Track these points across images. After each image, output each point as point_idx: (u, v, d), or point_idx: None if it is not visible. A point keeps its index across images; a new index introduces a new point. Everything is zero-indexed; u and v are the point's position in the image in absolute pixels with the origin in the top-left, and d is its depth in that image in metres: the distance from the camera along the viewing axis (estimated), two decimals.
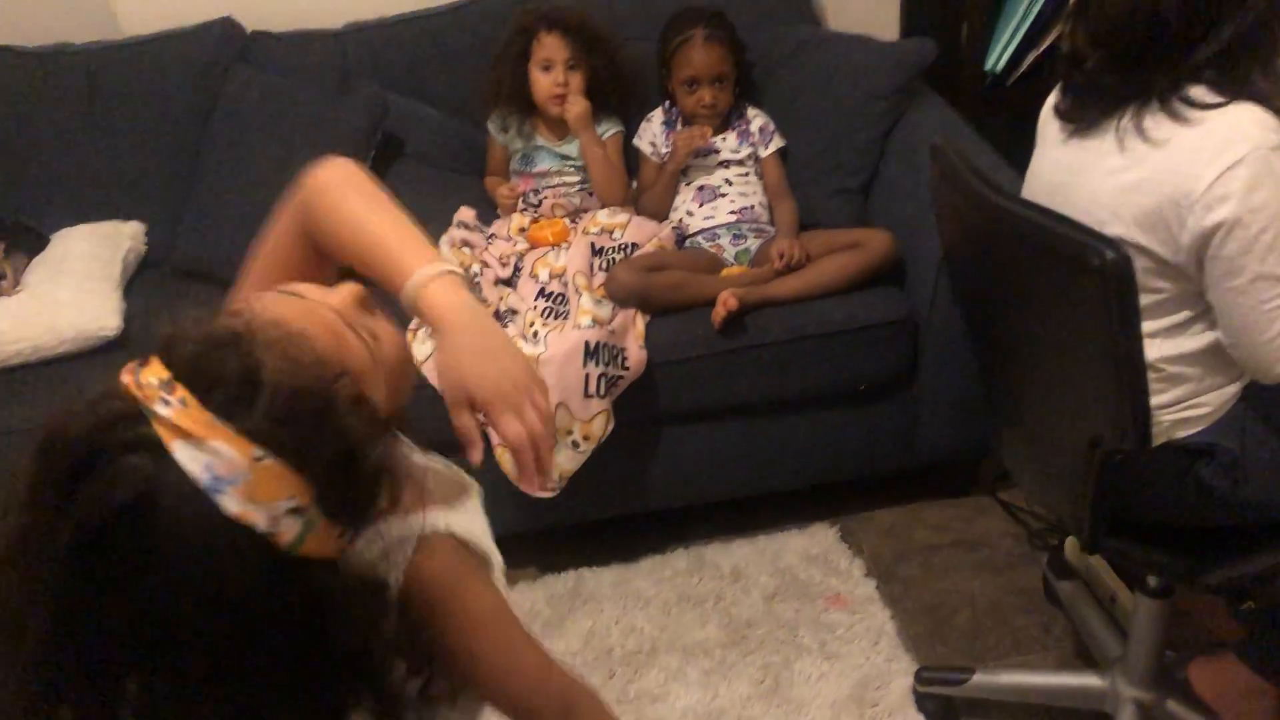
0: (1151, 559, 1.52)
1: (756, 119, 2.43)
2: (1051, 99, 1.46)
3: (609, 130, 2.44)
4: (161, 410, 0.71)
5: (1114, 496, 1.45)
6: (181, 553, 0.70)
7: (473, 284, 2.19)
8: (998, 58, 2.54)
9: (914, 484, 2.35)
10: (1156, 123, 1.30)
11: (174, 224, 2.38)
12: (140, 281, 2.36)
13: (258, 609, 0.72)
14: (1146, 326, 1.32)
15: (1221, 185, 1.25)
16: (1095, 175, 1.37)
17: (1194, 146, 1.27)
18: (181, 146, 2.42)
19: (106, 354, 2.13)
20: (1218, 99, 1.28)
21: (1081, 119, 1.39)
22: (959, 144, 1.52)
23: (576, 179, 2.43)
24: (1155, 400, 1.37)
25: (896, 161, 2.31)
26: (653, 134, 2.46)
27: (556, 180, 2.42)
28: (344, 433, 0.75)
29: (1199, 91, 1.28)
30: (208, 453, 0.70)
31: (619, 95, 2.43)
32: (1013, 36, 2.52)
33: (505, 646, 0.99)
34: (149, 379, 0.72)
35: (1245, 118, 1.26)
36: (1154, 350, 1.36)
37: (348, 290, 0.92)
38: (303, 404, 0.73)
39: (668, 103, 2.45)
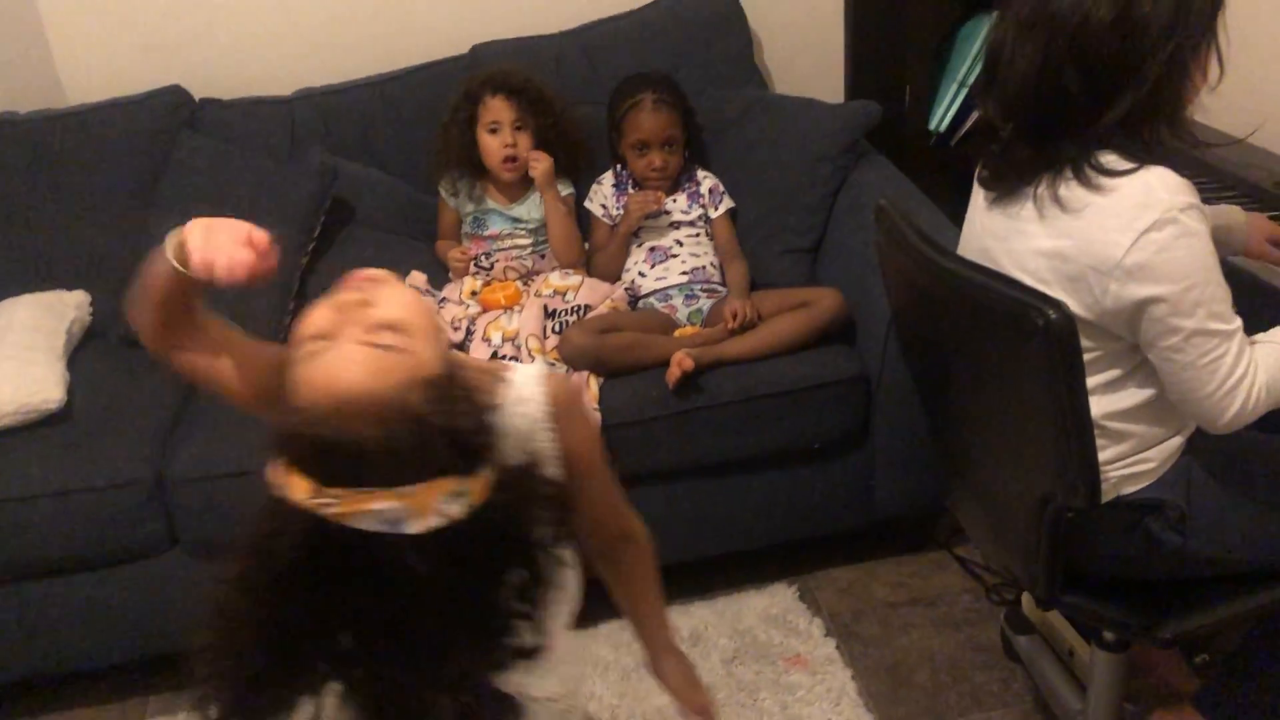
0: (1105, 614, 1.53)
1: (706, 180, 2.46)
2: (978, 170, 1.49)
3: (561, 191, 2.45)
4: (329, 510, 0.91)
5: (1066, 553, 1.45)
6: (408, 573, 0.92)
7: None
8: (941, 118, 2.59)
9: (871, 541, 2.35)
10: (1071, 191, 1.33)
11: (120, 294, 2.35)
12: (84, 352, 2.32)
13: (472, 562, 0.95)
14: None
15: (1139, 250, 1.28)
16: (1018, 241, 1.39)
17: (1109, 213, 1.30)
18: (128, 215, 2.39)
19: (49, 427, 2.09)
20: (1128, 165, 1.30)
21: (1000, 188, 1.42)
22: (903, 205, 1.55)
23: (528, 241, 2.43)
24: (1101, 456, 1.38)
25: (845, 221, 2.34)
26: (604, 196, 2.48)
27: (508, 243, 2.43)
28: (444, 429, 0.94)
29: (1110, 158, 1.31)
30: (374, 514, 0.91)
31: (567, 155, 2.45)
32: (954, 97, 2.58)
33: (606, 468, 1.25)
34: (302, 496, 0.92)
35: (1155, 182, 1.29)
36: (1094, 407, 1.38)
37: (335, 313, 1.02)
38: (403, 440, 0.92)
39: (618, 165, 2.47)
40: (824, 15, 2.80)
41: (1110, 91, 1.29)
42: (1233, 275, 1.63)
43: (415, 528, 0.92)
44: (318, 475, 0.92)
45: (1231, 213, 1.63)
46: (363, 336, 0.98)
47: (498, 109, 2.36)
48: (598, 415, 2.04)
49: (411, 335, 0.99)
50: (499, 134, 2.37)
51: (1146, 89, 1.28)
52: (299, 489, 0.92)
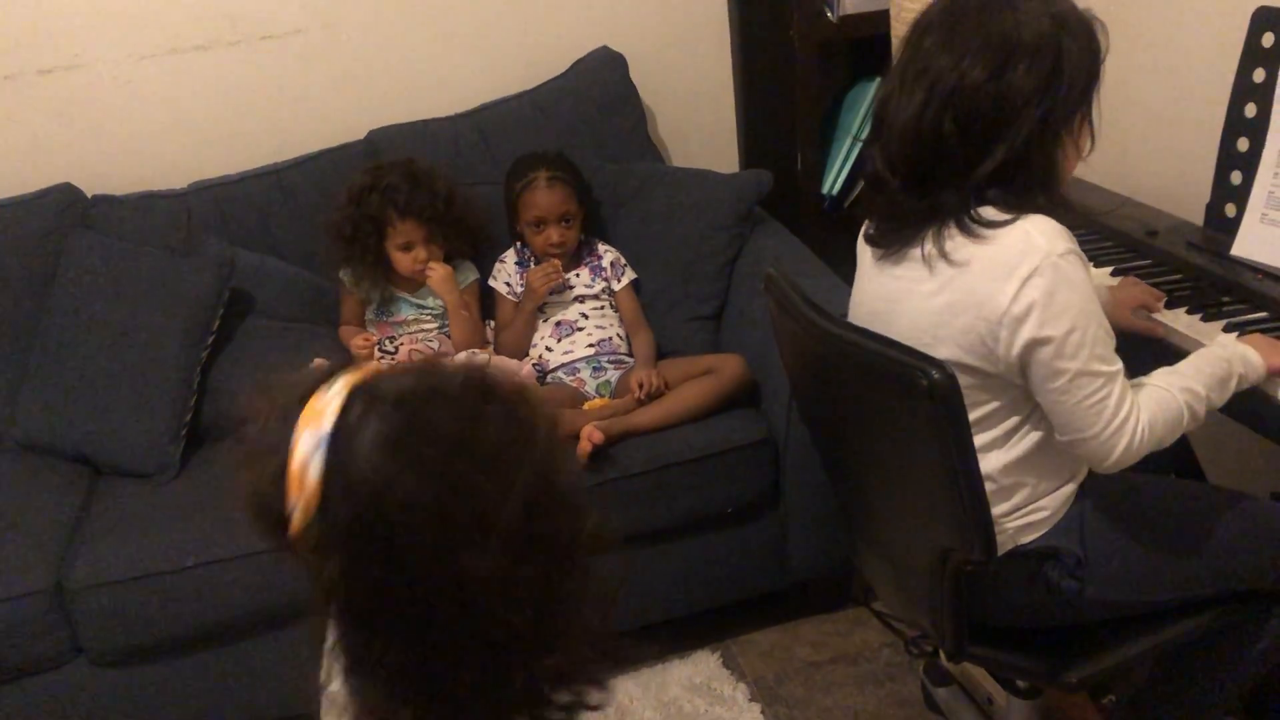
0: (1013, 663, 1.55)
1: (608, 254, 2.49)
2: (865, 227, 1.54)
3: (466, 279, 2.46)
4: None
5: (971, 605, 1.48)
6: None
7: None
8: (832, 182, 2.67)
9: (790, 602, 2.36)
10: (956, 244, 1.38)
11: (12, 398, 2.29)
12: None
13: None
14: (978, 440, 1.37)
15: (1024, 297, 1.33)
16: (910, 301, 1.44)
17: (992, 263, 1.35)
18: (19, 318, 2.34)
19: None
20: (1006, 216, 1.36)
21: (890, 244, 1.46)
22: (790, 273, 1.58)
23: (434, 325, 2.44)
24: (996, 510, 1.41)
25: (744, 287, 2.38)
26: (507, 274, 2.49)
27: (414, 327, 2.43)
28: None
29: (989, 211, 1.37)
30: None
31: (470, 244, 2.47)
32: (844, 162, 2.65)
33: None
34: None
35: (1033, 230, 1.35)
36: (988, 463, 1.41)
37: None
38: None
39: (519, 243, 2.50)
40: (715, 88, 2.87)
41: (983, 143, 1.35)
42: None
43: None
44: None
45: (1098, 288, 1.70)
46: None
47: (409, 231, 2.35)
48: None
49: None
50: (412, 251, 2.37)
51: (1019, 144, 1.35)
52: None
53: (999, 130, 1.34)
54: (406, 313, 2.44)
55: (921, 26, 1.40)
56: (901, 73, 1.40)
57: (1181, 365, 1.48)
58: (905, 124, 1.38)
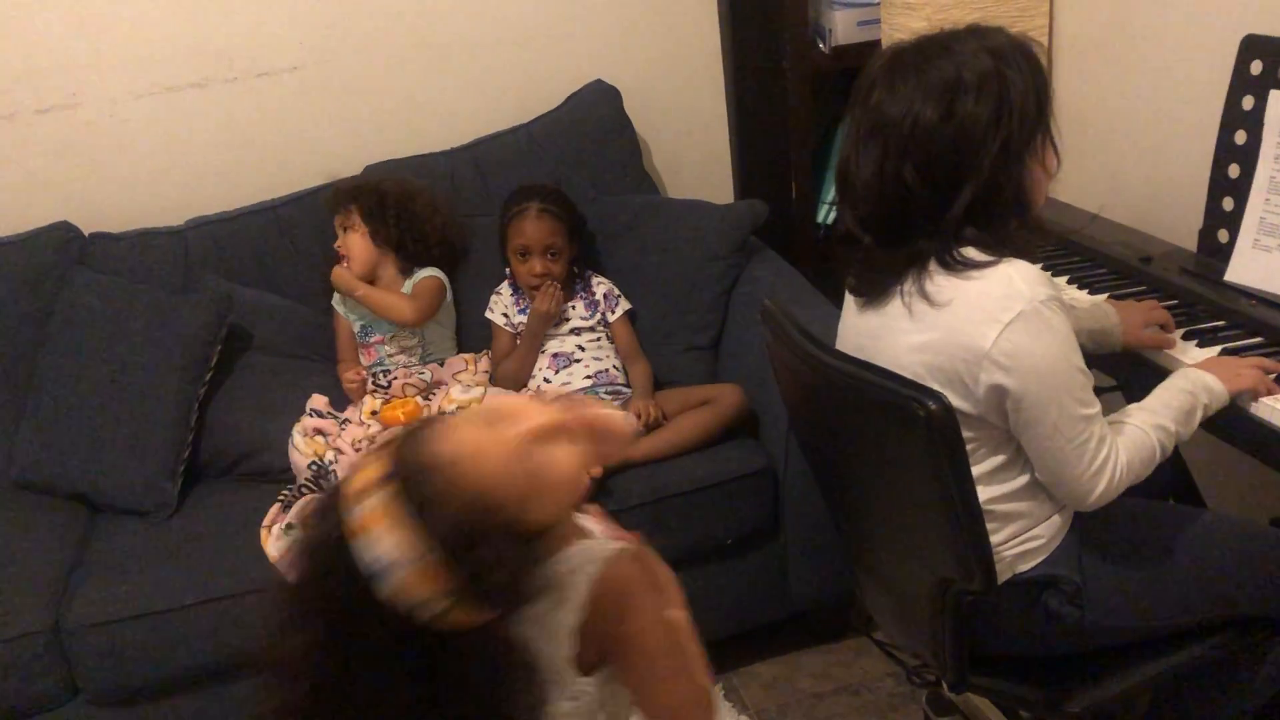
0: (1015, 692, 1.55)
1: (601, 286, 2.49)
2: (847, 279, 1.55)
3: (426, 275, 2.47)
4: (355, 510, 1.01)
5: (971, 635, 1.48)
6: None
7: (327, 474, 2.16)
8: (827, 211, 2.68)
9: (791, 633, 2.35)
10: (937, 286, 1.39)
11: (9, 437, 2.29)
12: None
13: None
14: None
15: (1005, 342, 1.33)
16: (890, 339, 1.45)
17: (974, 306, 1.36)
18: (17, 357, 2.34)
19: None
20: (987, 258, 1.37)
21: (869, 292, 1.48)
22: (786, 303, 1.59)
23: (414, 341, 2.45)
24: (993, 539, 1.41)
25: (741, 317, 2.39)
26: (505, 305, 2.49)
27: (394, 346, 2.43)
28: (488, 554, 1.00)
29: (970, 252, 1.38)
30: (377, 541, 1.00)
31: (439, 247, 2.48)
32: None
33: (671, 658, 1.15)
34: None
35: (1015, 275, 1.36)
36: (981, 494, 1.41)
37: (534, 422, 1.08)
38: (461, 530, 0.99)
39: (510, 270, 2.50)
40: (708, 119, 2.89)
41: (949, 184, 1.36)
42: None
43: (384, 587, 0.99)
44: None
45: (1107, 314, 1.69)
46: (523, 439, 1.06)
47: (342, 218, 2.46)
48: None
49: (554, 476, 1.07)
50: (341, 236, 2.46)
51: (984, 179, 1.36)
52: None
53: (962, 169, 1.35)
54: (383, 331, 2.44)
55: (866, 85, 1.42)
56: (855, 131, 1.42)
57: (1150, 401, 1.49)
58: (867, 181, 1.40)
